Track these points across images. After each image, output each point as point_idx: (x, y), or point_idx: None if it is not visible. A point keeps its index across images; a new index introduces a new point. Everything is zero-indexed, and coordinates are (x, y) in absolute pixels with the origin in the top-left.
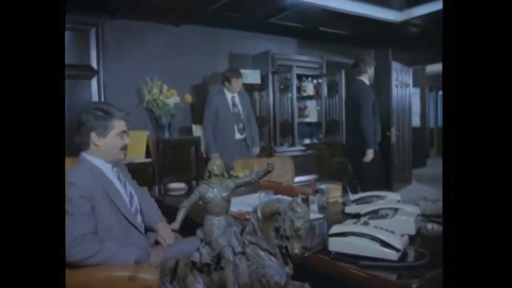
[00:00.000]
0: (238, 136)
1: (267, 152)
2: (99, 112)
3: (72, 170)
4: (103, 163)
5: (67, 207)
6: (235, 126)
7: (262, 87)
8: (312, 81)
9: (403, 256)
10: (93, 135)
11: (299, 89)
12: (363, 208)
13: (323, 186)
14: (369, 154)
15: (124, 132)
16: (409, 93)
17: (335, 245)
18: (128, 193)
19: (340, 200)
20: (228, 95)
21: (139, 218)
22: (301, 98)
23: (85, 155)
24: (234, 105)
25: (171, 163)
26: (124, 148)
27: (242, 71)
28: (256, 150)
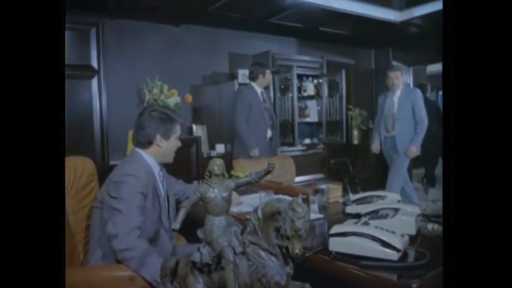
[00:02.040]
0: (269, 133)
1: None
2: (164, 115)
3: (131, 164)
4: (155, 164)
5: (124, 197)
6: (268, 122)
7: None
8: (312, 81)
9: (404, 256)
10: (158, 137)
11: (299, 89)
12: (363, 208)
13: (323, 186)
14: None
15: (178, 136)
16: None
17: (336, 245)
18: (166, 197)
19: (341, 200)
20: (258, 90)
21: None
22: (301, 98)
23: (141, 152)
24: (264, 100)
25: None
26: (175, 150)
27: (242, 71)
28: (277, 150)
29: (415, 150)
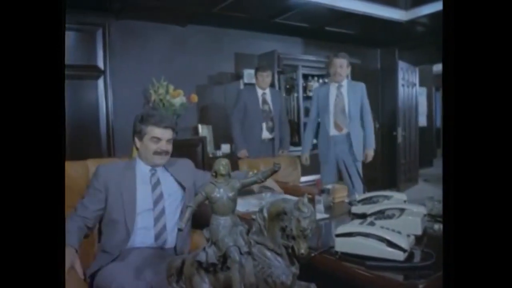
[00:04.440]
0: (266, 135)
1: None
2: (141, 117)
3: (108, 164)
4: (142, 164)
5: (87, 189)
6: (264, 124)
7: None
8: (318, 80)
9: (410, 256)
10: (136, 139)
11: (305, 89)
12: (369, 208)
13: (329, 186)
14: None
15: (157, 138)
16: (416, 92)
17: (341, 245)
18: (155, 196)
19: (346, 200)
20: (259, 91)
21: (144, 219)
22: (307, 98)
23: (136, 156)
24: (264, 101)
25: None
26: (158, 153)
27: (248, 71)
28: (284, 152)
29: (372, 152)
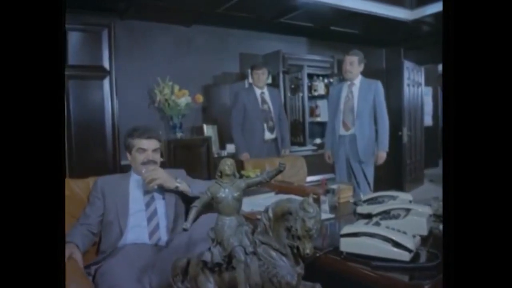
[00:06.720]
0: (268, 135)
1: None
2: (128, 133)
3: (106, 176)
4: (135, 175)
5: (88, 200)
6: (265, 125)
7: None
8: (323, 80)
9: (415, 256)
10: (127, 153)
11: (310, 89)
12: (374, 208)
13: (334, 186)
14: None
15: (142, 149)
16: (421, 92)
17: (347, 245)
18: (146, 199)
19: (352, 200)
20: (257, 91)
21: (137, 218)
22: (312, 98)
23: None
24: (263, 101)
25: (182, 163)
26: (145, 163)
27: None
28: (286, 151)
29: (384, 155)
